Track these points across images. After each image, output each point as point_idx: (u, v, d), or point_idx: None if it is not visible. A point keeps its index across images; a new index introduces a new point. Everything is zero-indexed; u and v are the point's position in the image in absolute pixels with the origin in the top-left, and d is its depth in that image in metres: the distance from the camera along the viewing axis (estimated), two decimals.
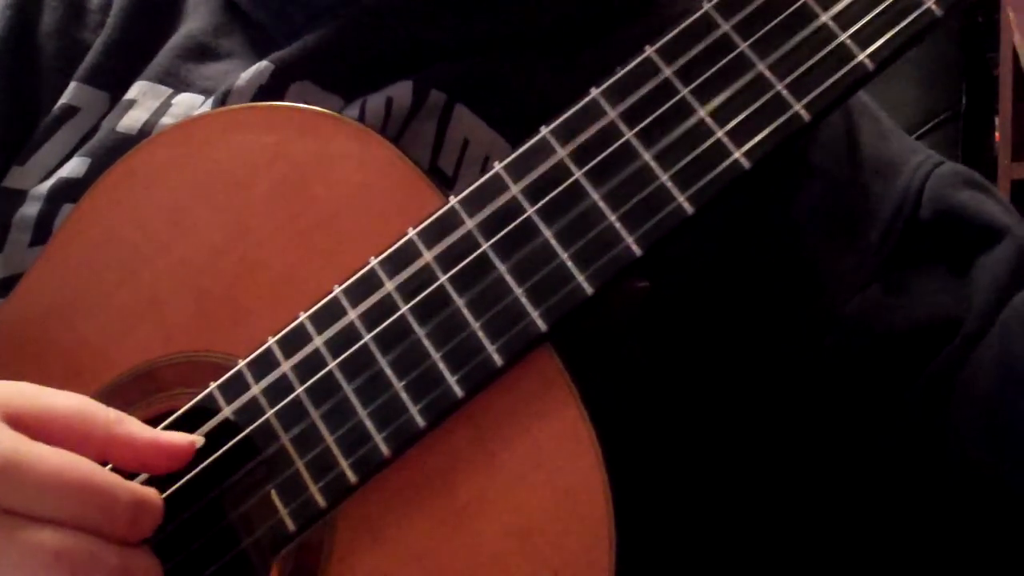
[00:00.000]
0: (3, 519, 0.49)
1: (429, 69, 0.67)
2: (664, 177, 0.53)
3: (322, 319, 0.57)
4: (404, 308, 0.56)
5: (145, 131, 0.69)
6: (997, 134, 1.80)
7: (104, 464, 0.52)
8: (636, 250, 0.53)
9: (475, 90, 0.67)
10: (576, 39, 0.69)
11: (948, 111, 1.27)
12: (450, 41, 0.69)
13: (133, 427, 0.53)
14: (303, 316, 0.57)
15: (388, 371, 0.55)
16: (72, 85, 0.72)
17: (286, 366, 0.57)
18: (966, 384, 0.61)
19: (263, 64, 0.68)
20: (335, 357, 0.56)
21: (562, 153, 0.55)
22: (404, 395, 0.55)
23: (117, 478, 0.51)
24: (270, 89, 0.67)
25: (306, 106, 0.62)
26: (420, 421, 0.54)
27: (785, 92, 0.52)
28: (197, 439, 0.55)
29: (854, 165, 0.68)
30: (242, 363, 0.57)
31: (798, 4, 0.53)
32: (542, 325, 0.54)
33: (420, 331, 0.55)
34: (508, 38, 0.69)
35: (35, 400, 0.53)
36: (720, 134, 0.53)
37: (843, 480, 0.65)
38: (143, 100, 0.71)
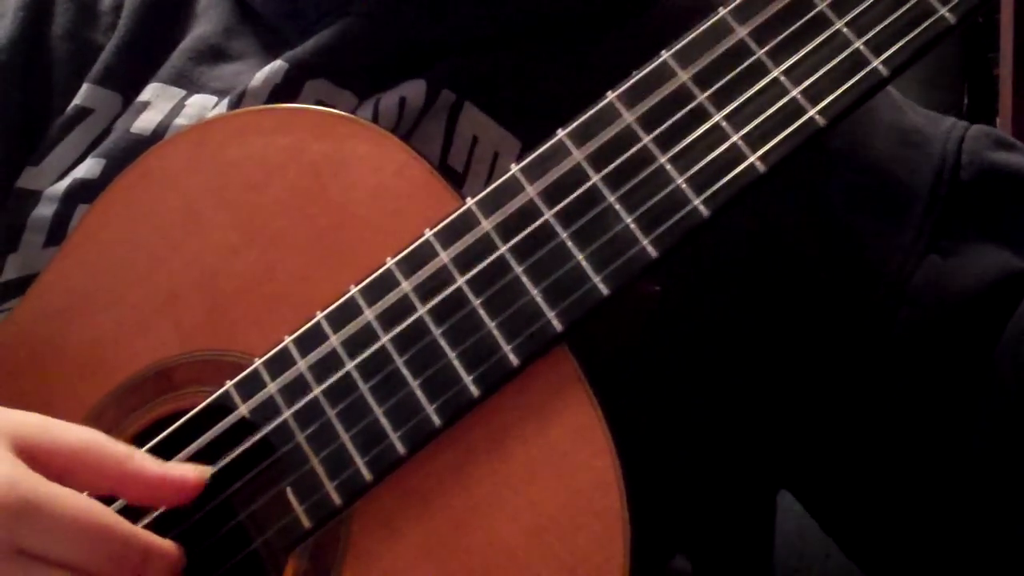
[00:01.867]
0: (18, 560, 0.49)
1: (440, 67, 0.67)
2: (680, 180, 0.54)
3: (339, 319, 0.57)
4: (421, 308, 0.56)
5: (159, 132, 0.70)
6: None
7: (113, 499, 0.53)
8: (652, 252, 0.54)
9: (483, 87, 0.67)
10: (585, 34, 0.69)
11: (950, 111, 1.28)
12: (460, 38, 0.69)
13: (144, 462, 0.54)
14: (320, 315, 0.57)
15: (404, 371, 0.56)
16: (85, 87, 0.72)
17: (303, 365, 0.57)
18: None
19: (277, 64, 0.68)
20: (352, 357, 0.56)
21: (579, 156, 0.55)
22: (420, 394, 0.55)
23: (131, 527, 0.52)
24: (285, 89, 0.68)
25: (321, 108, 0.62)
26: (436, 420, 0.55)
27: (800, 97, 0.53)
28: (207, 470, 0.55)
29: (879, 140, 0.68)
30: (258, 362, 0.58)
31: (814, 11, 0.54)
32: (558, 326, 0.54)
33: (436, 331, 0.56)
34: (518, 34, 0.69)
35: (46, 433, 0.53)
36: (736, 138, 0.53)
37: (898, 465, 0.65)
38: (156, 102, 0.71)
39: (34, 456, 0.51)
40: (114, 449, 0.53)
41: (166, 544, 0.53)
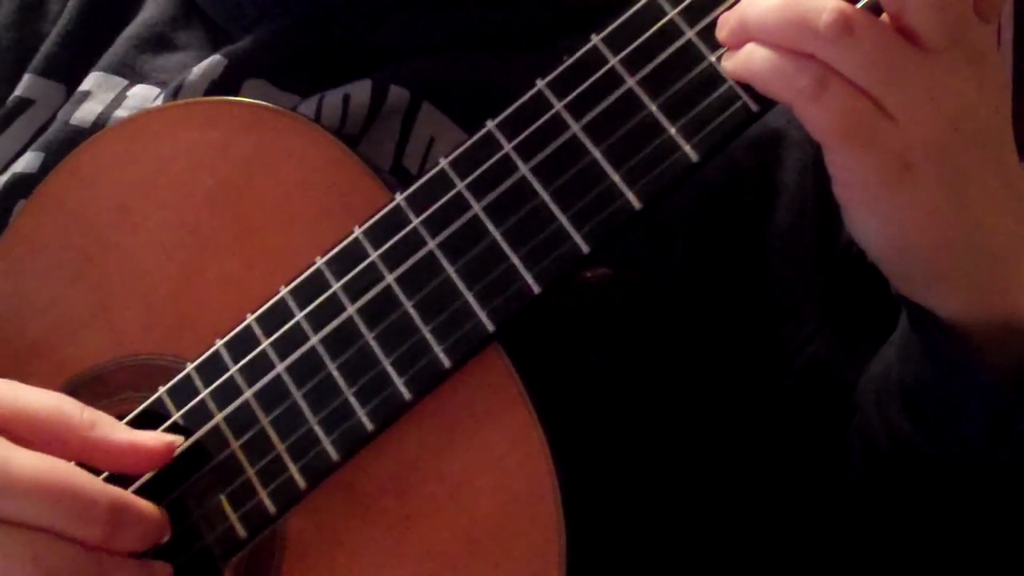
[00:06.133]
0: None
1: (391, 67, 0.65)
2: (612, 172, 0.51)
3: (269, 321, 0.55)
4: (351, 309, 0.54)
5: (99, 124, 0.68)
6: None
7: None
8: (584, 247, 0.52)
9: (440, 88, 0.65)
10: (546, 38, 0.66)
11: None
12: (407, 41, 0.66)
13: (110, 429, 0.53)
14: (250, 318, 0.56)
15: (336, 374, 0.54)
16: (26, 77, 0.71)
17: (234, 369, 0.55)
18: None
19: (216, 58, 0.66)
20: (283, 360, 0.55)
21: (507, 147, 0.53)
22: (352, 399, 0.53)
23: (97, 483, 0.50)
24: (223, 84, 0.66)
25: (251, 101, 0.61)
26: (368, 425, 0.53)
27: (735, 85, 0.50)
28: (175, 439, 0.54)
29: (816, 198, 0.66)
30: (190, 367, 0.56)
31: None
32: (489, 325, 0.52)
33: (368, 334, 0.54)
34: (469, 39, 0.67)
35: (11, 398, 0.52)
36: (671, 129, 0.51)
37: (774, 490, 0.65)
38: (98, 92, 0.69)
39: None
40: (78, 417, 0.52)
41: (144, 505, 0.51)
